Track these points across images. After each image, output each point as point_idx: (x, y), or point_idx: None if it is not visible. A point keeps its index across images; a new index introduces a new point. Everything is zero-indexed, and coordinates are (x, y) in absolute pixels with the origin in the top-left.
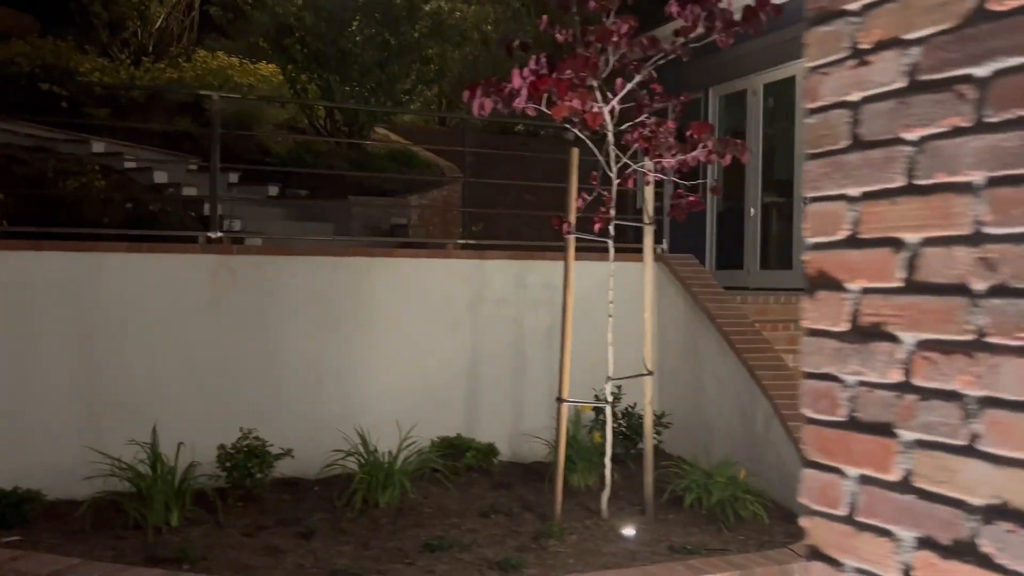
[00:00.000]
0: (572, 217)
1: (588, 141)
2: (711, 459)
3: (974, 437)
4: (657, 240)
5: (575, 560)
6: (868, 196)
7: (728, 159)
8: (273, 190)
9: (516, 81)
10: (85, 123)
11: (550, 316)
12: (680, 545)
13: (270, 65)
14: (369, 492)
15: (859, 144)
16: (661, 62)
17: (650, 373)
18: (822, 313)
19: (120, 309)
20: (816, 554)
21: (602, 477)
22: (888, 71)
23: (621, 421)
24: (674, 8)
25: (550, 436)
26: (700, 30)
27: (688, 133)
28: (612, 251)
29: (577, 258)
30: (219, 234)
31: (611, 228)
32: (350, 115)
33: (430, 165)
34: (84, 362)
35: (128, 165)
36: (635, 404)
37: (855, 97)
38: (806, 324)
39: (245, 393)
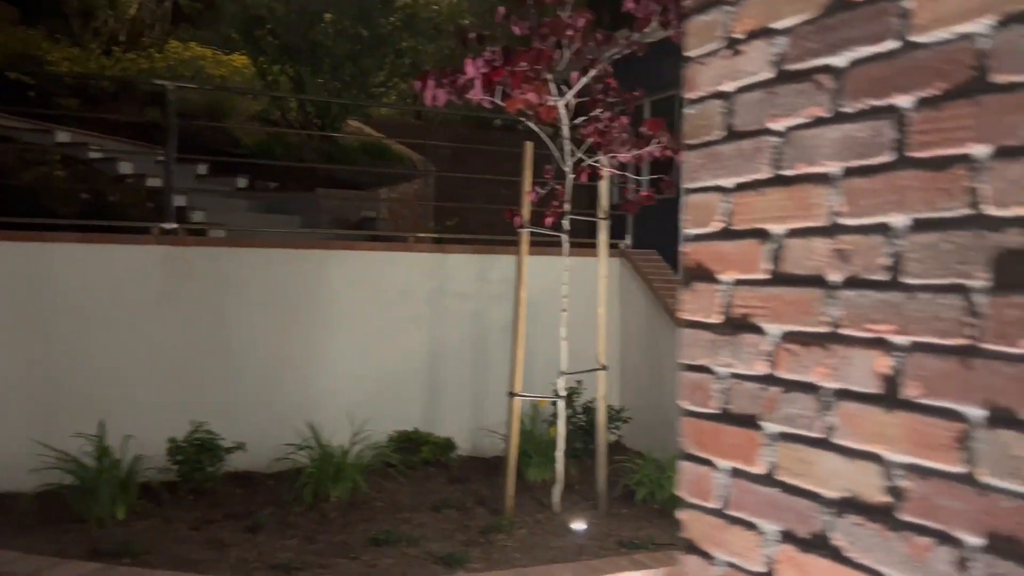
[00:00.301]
0: (525, 211)
1: (543, 135)
2: (668, 454)
3: (829, 430)
4: (619, 235)
5: (521, 554)
6: (740, 187)
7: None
8: (242, 182)
9: (470, 72)
10: (51, 113)
11: (512, 310)
12: (629, 539)
13: (243, 57)
14: (319, 486)
15: (732, 135)
16: (617, 57)
17: (603, 368)
18: (698, 305)
19: (71, 300)
20: (691, 548)
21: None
22: (758, 61)
23: (581, 416)
24: (630, 3)
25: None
26: (654, 24)
27: (641, 129)
28: (566, 245)
29: (539, 252)
30: (173, 225)
31: (565, 222)
32: (322, 108)
33: (402, 159)
34: (34, 353)
35: (93, 155)
36: (595, 399)
37: (729, 88)
38: (684, 315)
39: (200, 386)
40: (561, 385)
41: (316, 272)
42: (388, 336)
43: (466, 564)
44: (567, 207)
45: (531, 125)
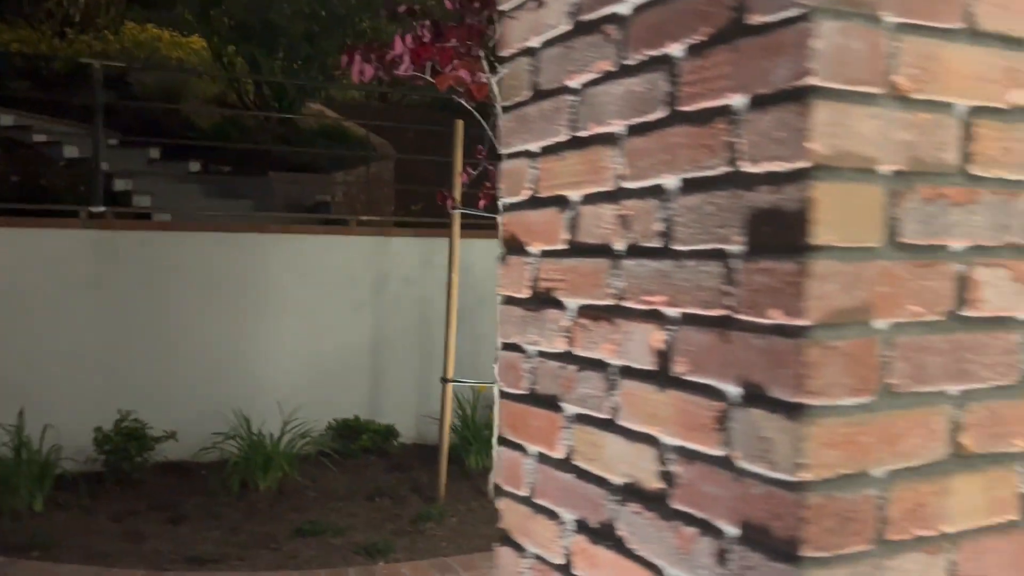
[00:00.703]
0: (457, 192)
1: (476, 113)
2: None
3: (614, 410)
4: None
5: (448, 543)
6: (545, 152)
7: None
8: (195, 166)
9: (398, 47)
10: None
11: (459, 295)
12: None
13: (203, 39)
14: (248, 476)
15: (538, 95)
16: None
17: None
18: (511, 279)
19: None
20: (505, 538)
21: None
22: (557, 12)
23: None
24: None
25: (455, 416)
26: None
27: None
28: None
29: (489, 236)
30: (101, 209)
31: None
32: (279, 90)
33: (363, 142)
34: None
35: (38, 139)
36: None
37: (536, 43)
38: (500, 291)
39: (130, 374)
40: (497, 369)
41: (256, 256)
42: (330, 321)
43: (389, 555)
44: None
45: (464, 103)
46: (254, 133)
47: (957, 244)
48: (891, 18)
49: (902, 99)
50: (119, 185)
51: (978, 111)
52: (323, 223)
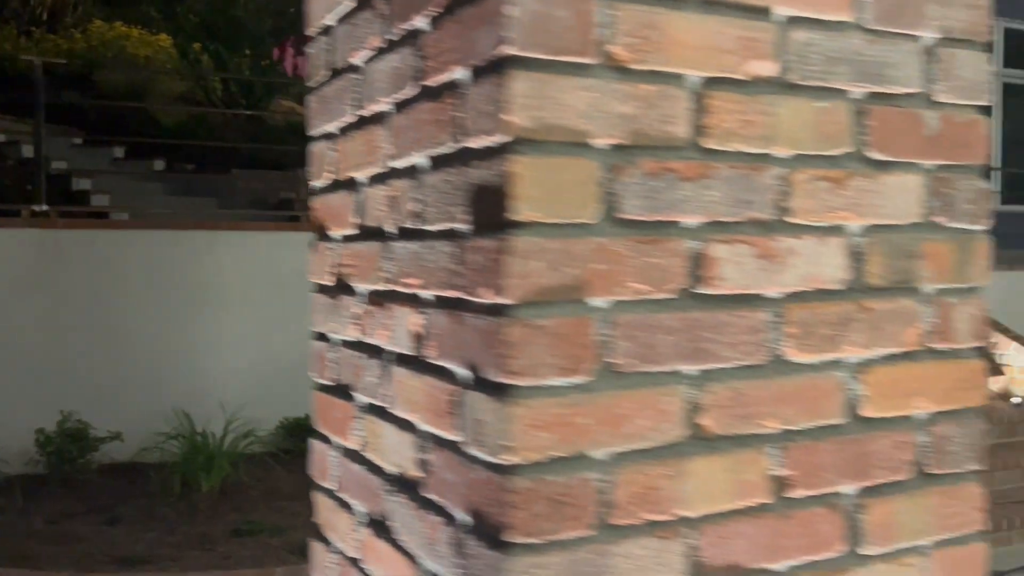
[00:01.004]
0: None
1: None
2: None
3: (389, 398)
4: None
5: None
6: (342, 132)
7: None
8: (159, 164)
9: None
10: None
11: None
12: None
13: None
14: (190, 476)
15: (334, 74)
16: None
17: None
18: (318, 267)
19: None
20: (316, 533)
21: None
22: None
23: None
24: None
25: None
26: None
27: None
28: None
29: None
30: (44, 208)
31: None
32: (247, 87)
33: None
34: None
35: None
36: None
37: (331, 21)
38: (311, 279)
39: (75, 375)
40: None
41: (208, 254)
42: (282, 319)
43: None
44: None
45: None
46: (221, 131)
47: (690, 220)
48: None
49: (620, 70)
50: (78, 184)
51: (713, 82)
52: (288, 220)
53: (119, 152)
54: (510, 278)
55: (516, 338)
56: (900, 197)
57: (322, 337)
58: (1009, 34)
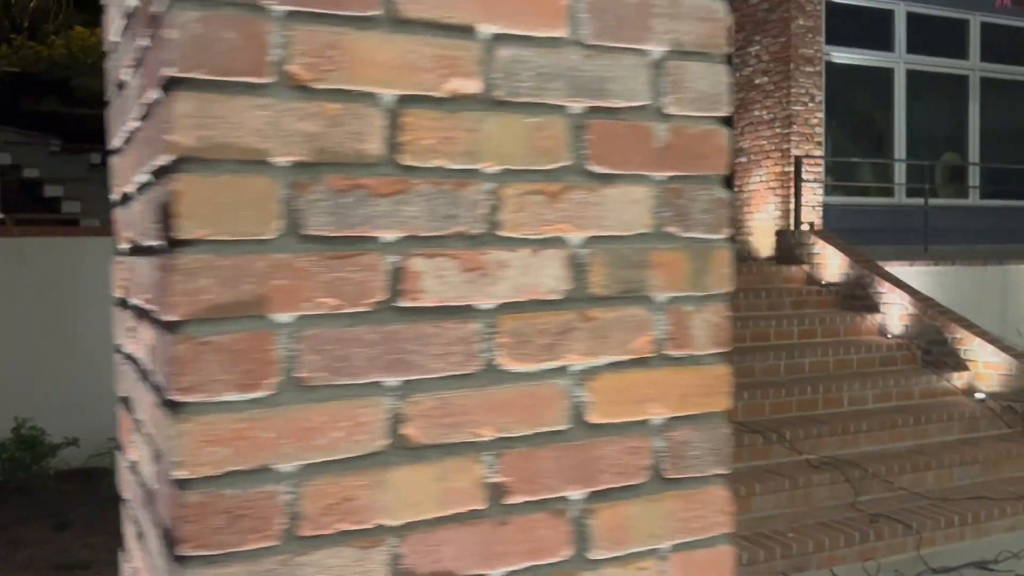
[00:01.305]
0: None
1: None
2: None
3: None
4: None
5: None
6: (121, 148)
7: None
8: None
9: None
10: None
11: None
12: None
13: None
14: None
15: (117, 87)
16: None
17: None
18: (114, 280)
19: None
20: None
21: None
22: (119, 10)
23: None
24: None
25: None
26: None
27: None
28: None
29: None
30: (0, 216)
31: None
32: None
33: None
34: None
35: None
36: None
37: (115, 37)
38: (112, 293)
39: (30, 382)
40: None
41: None
42: None
43: None
44: None
45: None
46: None
47: (387, 235)
48: (278, 7)
49: (301, 88)
50: (49, 191)
51: (408, 100)
52: None
53: (96, 159)
54: (175, 295)
55: (184, 355)
56: (626, 208)
57: (119, 350)
58: (985, 28)
